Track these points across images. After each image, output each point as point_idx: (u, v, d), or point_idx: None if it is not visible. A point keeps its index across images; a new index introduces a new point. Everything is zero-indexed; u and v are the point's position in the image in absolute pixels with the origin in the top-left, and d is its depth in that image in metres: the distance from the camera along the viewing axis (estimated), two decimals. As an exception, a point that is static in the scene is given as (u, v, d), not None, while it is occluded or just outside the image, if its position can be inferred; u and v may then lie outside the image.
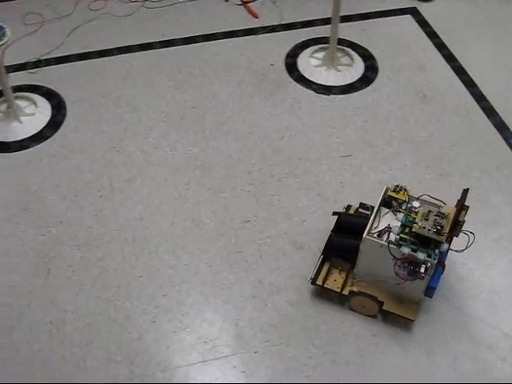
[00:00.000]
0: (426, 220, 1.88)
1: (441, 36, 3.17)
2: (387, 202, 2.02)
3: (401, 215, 1.95)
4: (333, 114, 2.77)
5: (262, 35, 3.13)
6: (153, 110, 2.77)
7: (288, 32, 3.15)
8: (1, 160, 2.59)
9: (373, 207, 2.07)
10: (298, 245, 2.31)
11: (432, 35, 3.18)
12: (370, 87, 2.91)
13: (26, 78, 2.92)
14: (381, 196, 2.01)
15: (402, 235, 1.89)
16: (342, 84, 2.91)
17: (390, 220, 1.97)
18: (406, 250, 1.86)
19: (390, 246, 1.88)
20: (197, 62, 2.99)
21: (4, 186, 2.49)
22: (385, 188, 2.02)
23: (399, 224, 1.91)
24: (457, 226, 1.92)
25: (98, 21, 3.22)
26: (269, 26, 3.16)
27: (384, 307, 2.02)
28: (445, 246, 1.87)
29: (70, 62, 3.00)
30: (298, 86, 2.89)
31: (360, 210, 2.22)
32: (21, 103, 2.74)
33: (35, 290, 2.19)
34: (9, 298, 2.17)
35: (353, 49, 3.07)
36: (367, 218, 2.02)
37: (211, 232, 2.34)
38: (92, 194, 2.46)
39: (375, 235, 1.93)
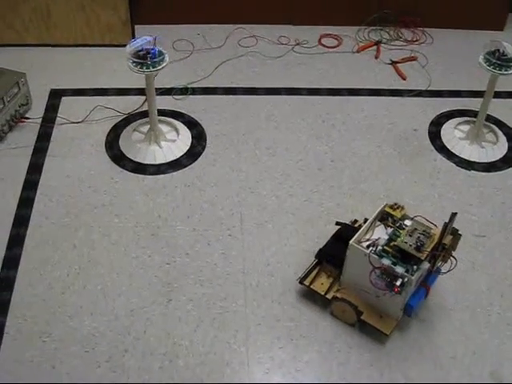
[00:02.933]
0: (410, 236, 1.99)
1: None
2: (384, 218, 2.12)
3: (390, 230, 2.06)
4: (471, 191, 2.67)
5: (407, 98, 3.08)
6: (291, 157, 2.74)
7: (434, 99, 3.09)
8: (136, 181, 2.61)
9: None
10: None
11: None
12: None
13: (171, 103, 2.96)
14: (378, 210, 2.12)
15: (385, 247, 1.99)
16: (484, 161, 2.81)
17: (381, 233, 2.08)
18: (385, 262, 1.96)
19: (371, 255, 1.98)
20: (340, 115, 2.96)
21: (136, 207, 2.51)
22: (384, 204, 2.14)
23: (387, 237, 2.02)
24: (442, 250, 2.03)
25: (247, 57, 3.24)
26: (415, 90, 3.10)
27: (362, 317, 2.10)
28: (425, 265, 1.97)
29: (216, 94, 3.03)
30: (439, 156, 2.81)
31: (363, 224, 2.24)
32: (163, 128, 2.77)
33: (153, 318, 2.17)
34: (126, 320, 2.16)
35: (498, 126, 2.97)
36: (362, 228, 2.15)
37: (336, 292, 2.28)
38: (222, 231, 2.44)
39: (364, 245, 2.03)
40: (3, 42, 3.15)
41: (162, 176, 2.64)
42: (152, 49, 2.47)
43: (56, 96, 2.98)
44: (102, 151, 2.73)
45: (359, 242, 2.06)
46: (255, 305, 2.22)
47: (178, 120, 2.85)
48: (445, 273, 2.11)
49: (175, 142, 2.75)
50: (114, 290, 2.24)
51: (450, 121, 2.97)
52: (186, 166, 2.68)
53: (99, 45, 3.21)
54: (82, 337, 2.11)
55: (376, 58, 3.28)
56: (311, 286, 2.19)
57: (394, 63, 3.24)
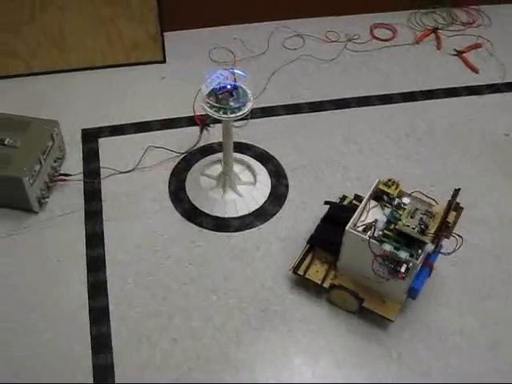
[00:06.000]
0: (412, 218, 1.81)
1: None
2: (378, 196, 1.92)
3: (389, 210, 1.85)
4: None
5: (487, 95, 2.72)
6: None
7: (514, 93, 2.75)
8: (222, 241, 2.18)
9: None
10: None
11: None
12: None
13: (229, 132, 2.50)
14: (371, 189, 1.91)
15: (385, 231, 1.80)
16: None
17: (378, 214, 1.88)
18: (387, 247, 1.77)
19: (372, 241, 1.79)
20: (424, 126, 2.58)
21: (233, 277, 2.09)
22: (376, 181, 1.93)
23: (385, 219, 1.83)
24: (446, 228, 1.84)
25: (299, 63, 2.79)
26: (493, 85, 2.74)
27: (364, 304, 1.94)
28: (430, 247, 1.79)
29: (278, 114, 2.58)
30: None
31: (354, 202, 2.11)
32: (234, 168, 2.32)
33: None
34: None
35: None
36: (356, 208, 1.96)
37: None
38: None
39: (360, 229, 1.84)
40: (8, 73, 2.58)
41: (249, 231, 2.22)
42: (233, 87, 2.01)
43: (90, 138, 2.46)
44: (169, 206, 2.27)
45: (354, 225, 1.86)
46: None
47: (246, 154, 2.40)
48: (450, 253, 1.83)
49: (254, 184, 2.31)
50: (241, 394, 1.85)
51: (540, 118, 2.64)
52: (273, 215, 2.26)
53: (123, 65, 2.68)
54: None
55: (438, 48, 2.89)
56: (306, 276, 2.00)
57: (459, 53, 2.87)
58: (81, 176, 2.32)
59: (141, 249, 2.15)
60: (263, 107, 2.59)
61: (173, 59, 2.72)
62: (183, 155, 2.41)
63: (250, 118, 2.53)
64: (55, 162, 2.28)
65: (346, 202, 2.16)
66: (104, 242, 2.16)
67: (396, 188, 1.91)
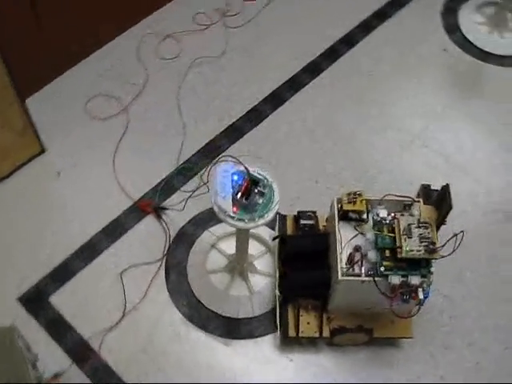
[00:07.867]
0: (410, 238, 1.48)
1: None
2: (344, 216, 1.57)
3: (368, 232, 1.54)
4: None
5: (398, 12, 2.40)
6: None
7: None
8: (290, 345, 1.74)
9: (314, 212, 1.71)
10: None
11: None
12: None
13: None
14: (335, 214, 1.56)
15: (384, 263, 1.49)
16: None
17: (353, 238, 1.55)
18: (395, 281, 1.48)
19: (378, 280, 1.49)
20: (386, 64, 2.28)
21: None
22: (335, 200, 1.58)
23: (368, 244, 1.53)
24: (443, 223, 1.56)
25: (194, 73, 2.22)
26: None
27: (375, 335, 1.68)
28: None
29: (222, 147, 2.04)
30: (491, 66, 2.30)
31: (302, 222, 1.72)
32: (231, 242, 1.80)
33: None
34: None
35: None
36: (314, 232, 1.68)
37: None
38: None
39: (346, 266, 1.51)
40: None
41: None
42: (250, 180, 1.48)
43: (38, 305, 1.77)
44: (202, 337, 1.76)
45: (341, 268, 1.52)
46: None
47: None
48: (450, 254, 1.45)
49: (270, 251, 1.86)
50: None
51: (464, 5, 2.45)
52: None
53: (-1, 181, 1.94)
54: None
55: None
56: (300, 334, 1.66)
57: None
58: (73, 367, 1.68)
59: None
60: (202, 148, 2.03)
61: (52, 141, 2.02)
62: (163, 261, 1.84)
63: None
64: (33, 367, 1.60)
65: (288, 223, 1.74)
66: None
67: (361, 201, 1.53)
